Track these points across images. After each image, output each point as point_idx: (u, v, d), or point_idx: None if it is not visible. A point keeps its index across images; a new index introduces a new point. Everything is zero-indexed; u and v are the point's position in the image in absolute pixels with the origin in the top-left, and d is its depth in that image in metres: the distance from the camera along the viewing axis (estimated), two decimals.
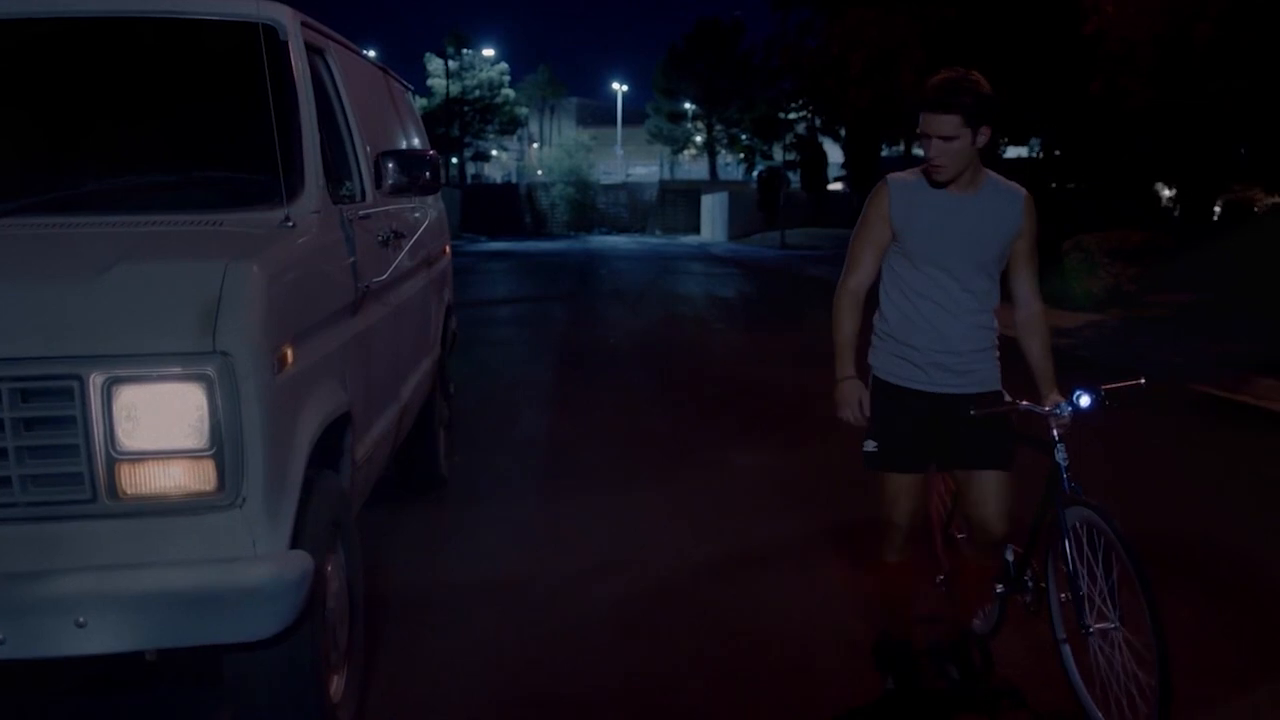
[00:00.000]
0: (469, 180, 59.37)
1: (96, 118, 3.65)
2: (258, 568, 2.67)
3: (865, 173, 34.96)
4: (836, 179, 43.09)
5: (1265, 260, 12.73)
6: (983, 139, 3.24)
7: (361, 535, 3.64)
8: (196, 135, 3.63)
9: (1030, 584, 3.55)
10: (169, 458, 2.64)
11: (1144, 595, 3.06)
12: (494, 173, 67.91)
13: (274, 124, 3.26)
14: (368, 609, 3.63)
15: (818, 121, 38.48)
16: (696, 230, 49.74)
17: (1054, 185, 21.65)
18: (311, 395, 3.06)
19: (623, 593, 4.64)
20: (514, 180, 63.41)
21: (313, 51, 3.97)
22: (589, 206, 58.71)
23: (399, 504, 5.70)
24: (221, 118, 3.63)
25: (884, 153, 35.14)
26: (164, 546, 2.67)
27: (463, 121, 56.48)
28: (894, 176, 3.47)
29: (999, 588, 3.66)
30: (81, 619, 2.56)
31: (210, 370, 2.61)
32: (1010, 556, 3.59)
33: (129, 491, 2.64)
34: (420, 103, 52.77)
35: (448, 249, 6.98)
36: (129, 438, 2.61)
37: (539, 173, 63.48)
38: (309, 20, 3.95)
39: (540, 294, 19.51)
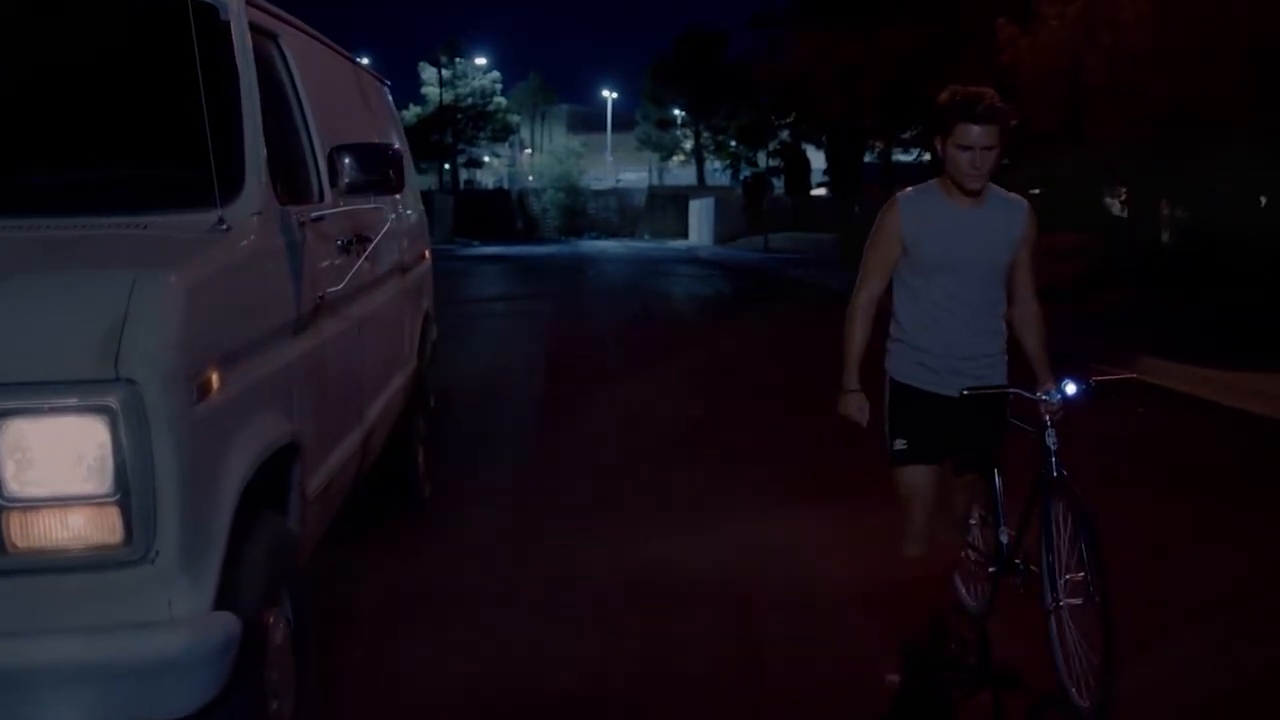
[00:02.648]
0: (462, 186, 59.21)
1: (8, 106, 3.20)
2: (173, 634, 2.26)
3: (847, 178, 35.42)
4: (819, 184, 43.47)
5: (1189, 259, 14.65)
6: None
7: (319, 575, 3.21)
8: (123, 127, 3.19)
9: (1021, 566, 3.71)
10: (67, 505, 2.23)
11: (1092, 571, 3.25)
12: (486, 179, 67.49)
13: (208, 114, 2.84)
14: (320, 665, 3.20)
15: (801, 129, 38.80)
16: (684, 235, 49.53)
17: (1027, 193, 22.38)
18: (244, 426, 2.64)
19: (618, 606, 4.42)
20: (506, 186, 63.05)
21: (263, 35, 3.55)
22: (579, 211, 58.66)
23: (370, 532, 5.22)
24: (152, 107, 3.19)
25: (866, 158, 35.10)
26: (62, 610, 2.26)
27: (456, 129, 56.40)
28: (903, 194, 3.60)
29: (991, 569, 3.84)
30: None
31: (112, 401, 2.19)
32: (1004, 539, 3.75)
33: (19, 545, 2.23)
34: (414, 110, 53.35)
35: (427, 253, 6.55)
36: (18, 482, 2.21)
37: (530, 178, 63.30)
38: None
39: (533, 292, 20.54)
